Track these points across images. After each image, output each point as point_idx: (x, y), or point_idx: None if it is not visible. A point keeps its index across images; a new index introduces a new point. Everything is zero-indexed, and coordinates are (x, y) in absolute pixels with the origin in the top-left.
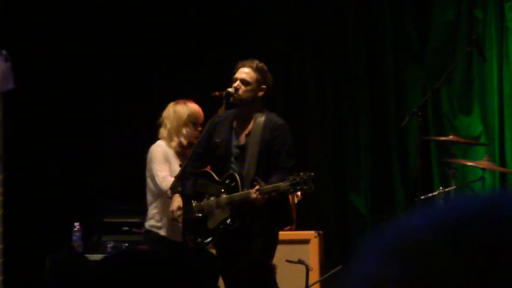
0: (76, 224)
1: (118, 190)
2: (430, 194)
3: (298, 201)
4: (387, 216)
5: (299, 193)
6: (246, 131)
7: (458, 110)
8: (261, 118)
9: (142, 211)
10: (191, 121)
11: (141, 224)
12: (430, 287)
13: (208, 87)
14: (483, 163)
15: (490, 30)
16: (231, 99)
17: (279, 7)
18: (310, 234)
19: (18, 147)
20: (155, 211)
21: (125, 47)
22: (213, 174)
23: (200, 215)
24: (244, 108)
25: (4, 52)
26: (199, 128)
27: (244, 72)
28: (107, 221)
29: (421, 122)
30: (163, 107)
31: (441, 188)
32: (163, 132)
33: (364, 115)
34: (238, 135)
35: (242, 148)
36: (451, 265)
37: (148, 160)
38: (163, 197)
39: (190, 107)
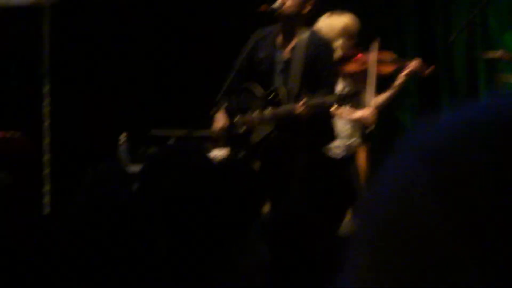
0: (123, 134)
1: (167, 102)
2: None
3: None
4: None
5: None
6: (290, 46)
7: (506, 26)
8: (305, 34)
9: (190, 124)
10: (346, 33)
11: (187, 137)
12: (460, 193)
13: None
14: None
15: None
16: (276, 13)
17: None
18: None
19: (66, 60)
20: None
21: None
22: (257, 89)
23: (243, 129)
24: (289, 24)
25: None
26: (353, 41)
27: None
28: (154, 134)
29: (468, 38)
30: None
31: None
32: None
33: (411, 34)
34: (282, 50)
35: (286, 63)
36: (485, 168)
37: None
38: None
39: (345, 19)
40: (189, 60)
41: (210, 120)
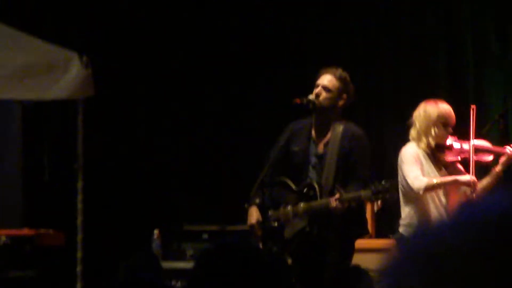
0: (156, 231)
1: (199, 197)
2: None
3: (378, 210)
4: None
5: (379, 202)
6: (325, 140)
7: None
8: (339, 128)
9: (222, 219)
10: (441, 121)
11: (221, 232)
12: None
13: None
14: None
15: None
16: (311, 105)
17: (357, 19)
18: (387, 242)
19: (98, 154)
20: (407, 217)
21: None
22: (290, 183)
23: (276, 224)
24: (323, 116)
25: (84, 57)
26: (450, 130)
27: (327, 79)
28: (187, 229)
29: (502, 130)
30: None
31: None
32: (413, 132)
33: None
34: (316, 144)
35: (321, 157)
36: (476, 268)
37: (399, 163)
38: (417, 201)
39: (441, 107)
40: (221, 152)
41: (243, 215)
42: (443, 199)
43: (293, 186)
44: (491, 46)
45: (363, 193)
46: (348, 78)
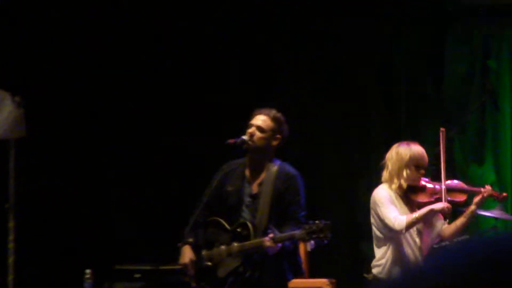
0: (88, 271)
1: (130, 236)
2: (443, 243)
3: (311, 250)
4: None
5: (312, 241)
6: (259, 180)
7: (471, 160)
8: (273, 168)
9: (155, 258)
10: (413, 163)
11: (153, 272)
12: None
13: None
14: (496, 212)
15: (503, 80)
16: (245, 145)
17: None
18: (322, 282)
19: (29, 194)
20: (382, 258)
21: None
22: (223, 222)
23: (210, 263)
24: (257, 156)
25: (17, 98)
26: (422, 172)
27: (261, 119)
28: (119, 268)
29: (434, 171)
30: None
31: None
32: (385, 174)
33: (377, 164)
34: (250, 184)
35: (255, 197)
36: None
37: (372, 205)
38: (392, 242)
39: (413, 149)
40: (154, 192)
41: (176, 254)
42: (417, 239)
43: (227, 226)
44: (425, 91)
45: (298, 233)
46: (282, 119)
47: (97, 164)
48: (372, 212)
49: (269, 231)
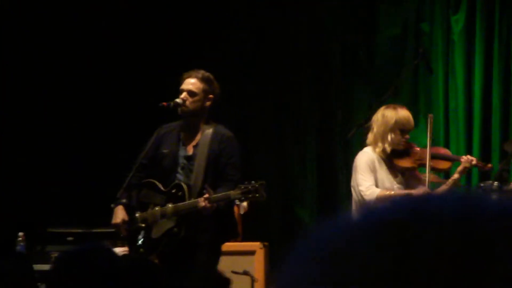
0: (20, 233)
1: (63, 199)
2: None
3: (244, 213)
4: None
5: (245, 204)
6: (194, 142)
7: None
8: (209, 130)
9: (87, 221)
10: (398, 127)
11: (86, 234)
12: None
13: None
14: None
15: (436, 43)
16: (179, 110)
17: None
18: (255, 245)
19: None
20: None
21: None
22: (158, 184)
23: (143, 225)
24: (192, 119)
25: None
26: (407, 136)
27: (190, 83)
28: (52, 231)
29: (366, 134)
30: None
31: None
32: (370, 136)
33: (311, 129)
34: (185, 146)
35: (190, 159)
36: (378, 268)
37: (353, 168)
38: None
39: (399, 113)
40: (87, 155)
41: (109, 217)
42: None
43: (162, 188)
44: (358, 55)
45: (233, 193)
46: (212, 78)
47: (28, 125)
48: (352, 173)
49: (205, 191)
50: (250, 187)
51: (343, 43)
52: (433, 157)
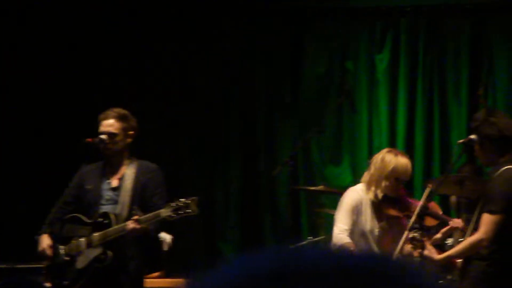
0: None
1: None
2: (299, 244)
3: (169, 249)
4: None
5: (169, 240)
6: (119, 175)
7: (328, 160)
8: (133, 164)
9: (11, 257)
10: (395, 175)
11: (10, 270)
12: None
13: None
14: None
15: (361, 81)
16: (103, 150)
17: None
18: (178, 282)
19: None
20: None
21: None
22: (82, 217)
23: (68, 258)
24: (115, 157)
25: None
26: (401, 184)
27: (109, 125)
28: None
29: (291, 171)
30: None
31: (310, 237)
32: (366, 175)
33: (235, 166)
34: (110, 180)
35: (115, 190)
36: None
37: (339, 202)
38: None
39: (399, 161)
40: (13, 191)
41: (34, 252)
42: (374, 247)
43: (87, 220)
44: (283, 94)
45: (163, 211)
46: (128, 114)
47: None
48: (338, 205)
49: (134, 212)
50: (181, 203)
51: (268, 80)
52: (423, 212)
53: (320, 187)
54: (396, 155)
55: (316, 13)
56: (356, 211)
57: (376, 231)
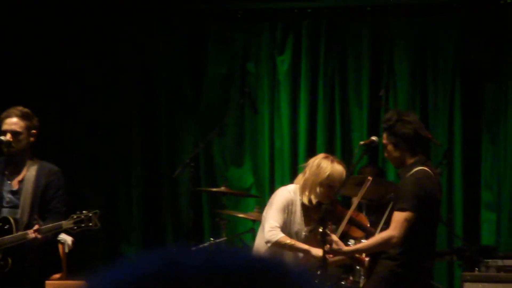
0: None
1: None
2: (201, 245)
3: (69, 250)
4: None
5: (70, 242)
6: (20, 177)
7: (230, 162)
8: (34, 165)
9: None
10: (329, 182)
11: None
12: None
13: None
14: (254, 214)
15: (262, 83)
16: (5, 150)
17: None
18: (80, 284)
19: None
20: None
21: None
22: None
23: None
24: (18, 156)
25: None
26: (334, 191)
27: (13, 123)
28: None
29: (193, 173)
30: None
31: (212, 239)
32: (300, 177)
33: (137, 167)
34: (10, 181)
35: (15, 193)
36: None
37: (270, 200)
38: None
39: (335, 168)
40: None
41: None
42: (300, 254)
43: None
44: (184, 93)
45: (65, 223)
46: (30, 113)
47: None
48: (267, 204)
49: (34, 222)
50: (83, 216)
51: (170, 81)
52: (351, 222)
53: (222, 189)
54: (332, 161)
55: (217, 14)
56: (287, 211)
57: (303, 234)
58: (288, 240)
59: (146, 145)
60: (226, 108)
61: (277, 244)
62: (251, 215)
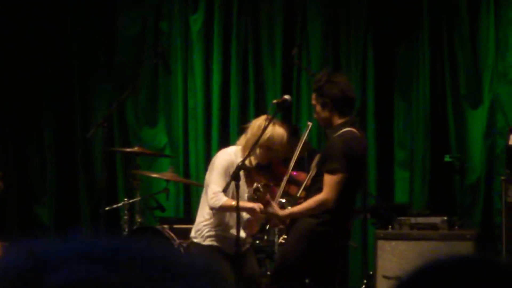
0: None
1: None
2: (115, 206)
3: None
4: (72, 226)
5: None
6: None
7: (143, 122)
8: None
9: None
10: (268, 144)
11: None
12: None
13: None
14: (168, 174)
15: (175, 43)
16: None
17: None
18: None
19: None
20: (204, 220)
21: None
22: None
23: None
24: None
25: None
26: (274, 153)
27: None
28: None
29: (106, 133)
30: None
31: (126, 199)
32: (242, 139)
33: (50, 128)
34: None
35: None
36: None
37: (211, 164)
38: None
39: (276, 131)
40: None
41: None
42: (245, 215)
43: None
44: (97, 53)
45: None
46: None
47: None
48: (209, 169)
49: None
50: None
51: (81, 42)
52: (290, 180)
53: (136, 149)
54: (273, 124)
55: None
56: (228, 173)
57: (246, 196)
58: (233, 202)
59: (59, 106)
60: (140, 67)
61: (222, 208)
62: (165, 175)
